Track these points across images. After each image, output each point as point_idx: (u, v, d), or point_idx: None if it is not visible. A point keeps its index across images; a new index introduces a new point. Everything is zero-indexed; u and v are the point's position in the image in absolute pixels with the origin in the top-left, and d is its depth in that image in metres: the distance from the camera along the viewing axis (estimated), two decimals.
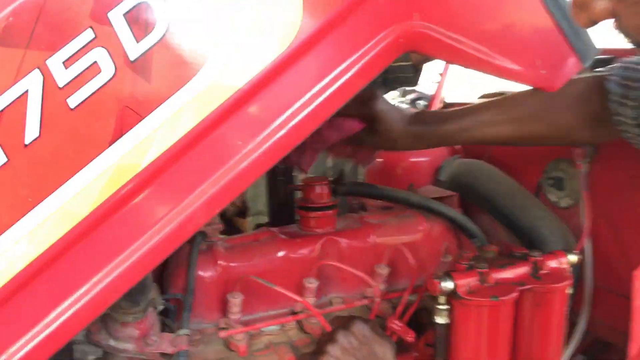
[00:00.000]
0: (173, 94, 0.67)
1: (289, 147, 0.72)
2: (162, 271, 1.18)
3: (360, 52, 0.72)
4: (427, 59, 1.84)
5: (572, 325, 1.31)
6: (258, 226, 1.91)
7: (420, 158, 1.49)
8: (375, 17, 0.72)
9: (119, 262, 0.69)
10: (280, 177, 1.37)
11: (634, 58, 0.95)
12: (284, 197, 1.42)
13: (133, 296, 0.97)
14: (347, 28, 0.71)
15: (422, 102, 2.39)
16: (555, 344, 1.06)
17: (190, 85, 0.67)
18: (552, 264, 1.07)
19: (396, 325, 1.06)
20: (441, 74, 1.97)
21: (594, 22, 0.67)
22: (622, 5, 0.63)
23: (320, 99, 0.71)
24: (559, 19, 0.78)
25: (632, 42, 0.68)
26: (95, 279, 0.68)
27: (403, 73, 1.87)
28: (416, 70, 1.88)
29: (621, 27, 0.66)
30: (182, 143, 0.68)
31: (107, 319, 1.01)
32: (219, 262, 1.14)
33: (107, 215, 0.67)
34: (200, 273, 1.13)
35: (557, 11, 0.77)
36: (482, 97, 1.66)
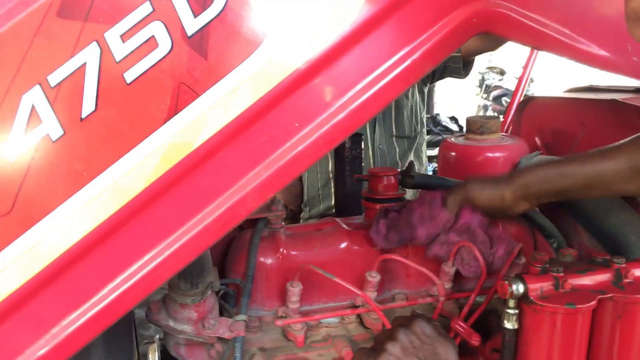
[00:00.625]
0: (230, 71, 0.65)
1: (348, 131, 0.69)
2: (224, 255, 1.18)
3: (429, 32, 0.67)
4: (478, 50, 1.73)
5: None
6: (322, 216, 1.89)
7: (497, 153, 1.41)
8: None
9: (171, 241, 0.68)
10: (347, 167, 1.33)
11: None
12: (351, 187, 1.39)
13: (192, 278, 0.97)
14: (415, 5, 0.66)
15: (506, 99, 2.29)
16: (637, 357, 0.97)
17: (248, 63, 0.65)
18: (638, 272, 0.97)
19: (460, 326, 1.00)
20: (523, 67, 1.86)
21: None
22: None
23: (384, 81, 0.67)
24: None
25: None
26: (147, 257, 0.68)
27: (451, 63, 1.78)
28: (465, 62, 1.78)
29: None
30: (237, 123, 0.66)
31: (167, 299, 1.02)
32: (280, 249, 1.13)
33: (160, 193, 0.66)
34: (261, 259, 1.11)
35: None
36: (569, 91, 1.56)
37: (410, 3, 0.66)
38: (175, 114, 0.65)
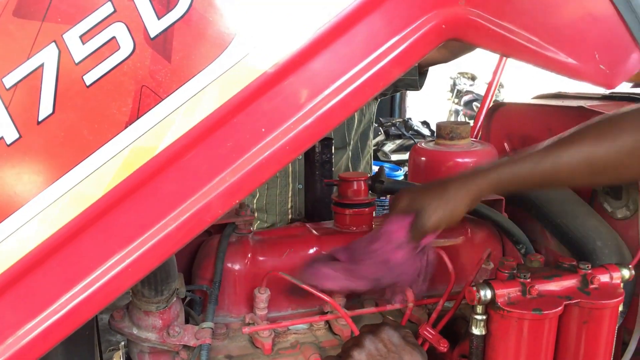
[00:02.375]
0: (194, 75, 0.63)
1: (315, 137, 0.68)
2: (191, 261, 1.16)
3: (398, 38, 0.66)
4: (435, 61, 1.73)
5: (622, 345, 1.21)
6: (293, 221, 1.87)
7: (467, 159, 1.42)
8: (416, 1, 0.67)
9: (133, 248, 0.66)
10: (317, 171, 1.32)
11: None
12: (320, 192, 1.38)
13: (156, 285, 0.95)
14: (385, 11, 0.65)
15: (477, 104, 2.31)
16: None
17: (214, 66, 0.63)
18: (603, 278, 0.98)
19: (429, 332, 1.00)
20: (493, 73, 1.88)
21: None
22: None
23: (352, 86, 0.66)
24: (621, 9, 0.70)
25: None
26: (108, 264, 0.66)
27: (407, 75, 1.76)
28: (421, 73, 1.78)
29: None
30: (202, 127, 0.64)
31: (131, 306, 0.99)
32: (248, 255, 1.11)
33: (121, 199, 0.64)
34: (229, 265, 1.10)
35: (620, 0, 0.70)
36: (537, 97, 1.57)
37: (380, 8, 0.66)
38: (138, 117, 0.63)
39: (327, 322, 1.11)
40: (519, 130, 1.54)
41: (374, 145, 5.78)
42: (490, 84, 1.85)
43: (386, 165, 5.11)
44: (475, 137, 1.82)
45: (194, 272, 1.13)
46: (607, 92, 1.45)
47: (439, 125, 1.46)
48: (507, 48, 0.70)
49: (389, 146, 6.26)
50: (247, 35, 0.63)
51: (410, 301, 1.07)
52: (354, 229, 1.19)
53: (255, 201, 1.99)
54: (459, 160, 1.42)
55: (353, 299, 1.17)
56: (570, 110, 1.33)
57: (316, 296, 1.01)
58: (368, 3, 0.65)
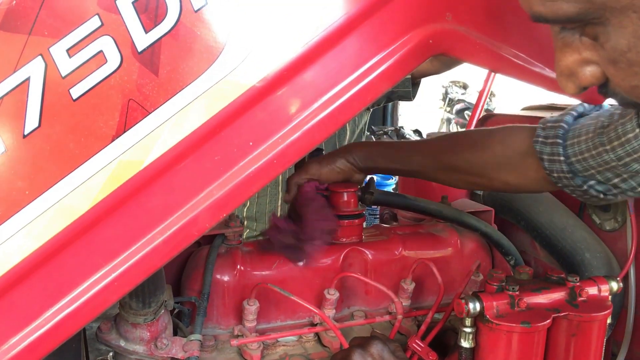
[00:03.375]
0: (182, 88, 0.63)
1: (303, 150, 0.68)
2: (180, 272, 1.15)
3: (385, 53, 0.67)
4: (426, 73, 1.74)
5: (611, 357, 1.21)
6: None
7: None
8: (403, 16, 0.67)
9: (119, 262, 0.65)
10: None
11: (554, 116, 0.99)
12: None
13: (144, 297, 0.94)
14: (372, 27, 0.66)
15: (469, 112, 2.32)
16: None
17: (201, 80, 0.63)
18: (591, 290, 0.98)
19: (418, 345, 1.00)
20: (484, 82, 1.88)
21: (583, 89, 0.62)
22: (614, 69, 0.58)
23: (340, 101, 0.66)
24: None
25: (622, 103, 0.64)
26: (94, 278, 0.65)
27: (400, 87, 1.77)
28: (413, 84, 1.79)
29: (611, 90, 0.62)
30: (189, 141, 0.64)
31: (118, 318, 0.99)
32: (237, 266, 1.10)
33: (107, 213, 0.64)
34: (218, 277, 1.09)
35: None
36: (527, 108, 1.58)
37: (367, 23, 0.66)
38: (124, 131, 0.63)
39: (316, 334, 1.11)
40: None
41: None
42: (481, 93, 1.86)
43: (377, 175, 5.11)
44: None
45: (183, 283, 1.12)
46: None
47: (428, 136, 1.47)
48: (494, 63, 0.70)
49: None
50: (235, 49, 0.64)
51: (399, 313, 1.07)
52: (344, 240, 1.19)
53: (245, 210, 1.99)
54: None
55: (343, 310, 1.17)
56: None
57: (307, 307, 1.01)
58: (356, 18, 0.65)
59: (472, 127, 1.79)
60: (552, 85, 0.73)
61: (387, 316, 1.12)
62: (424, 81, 1.91)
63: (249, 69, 0.64)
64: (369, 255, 1.17)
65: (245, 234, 2.01)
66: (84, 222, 0.64)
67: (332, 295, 1.08)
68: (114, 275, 0.65)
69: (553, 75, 0.72)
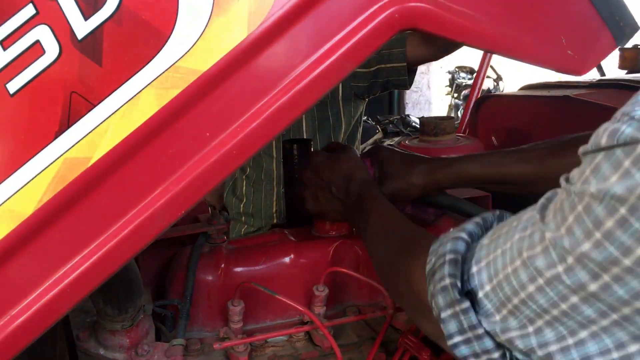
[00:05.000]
0: (128, 78, 0.58)
1: (265, 139, 0.63)
2: (163, 274, 1.11)
3: (347, 30, 0.61)
4: (421, 59, 1.67)
5: None
6: (273, 226, 1.83)
7: (452, 155, 1.37)
8: None
9: (69, 269, 0.61)
10: (296, 175, 1.27)
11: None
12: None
13: (120, 303, 0.90)
14: (329, 4, 0.61)
15: None
16: None
17: (149, 68, 0.59)
18: None
19: (410, 341, 0.95)
20: (479, 65, 1.82)
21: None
22: None
23: (301, 85, 0.61)
24: None
25: None
26: (43, 287, 0.61)
27: (394, 76, 1.71)
28: (410, 71, 1.72)
29: None
30: (140, 134, 0.60)
31: (96, 326, 0.95)
32: (222, 265, 1.06)
33: (54, 216, 0.60)
34: (201, 277, 1.05)
35: None
36: (523, 88, 1.52)
37: (324, 1, 0.61)
38: (68, 126, 0.58)
39: (307, 333, 1.06)
40: (506, 123, 1.49)
41: (372, 144, 5.72)
42: (477, 75, 1.80)
43: None
44: (464, 132, 1.76)
45: (166, 286, 1.08)
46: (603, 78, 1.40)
47: (422, 122, 1.42)
48: (466, 36, 0.65)
49: (387, 144, 6.22)
50: (185, 33, 0.59)
51: (390, 308, 1.02)
52: (333, 233, 1.14)
53: (242, 206, 1.95)
54: (444, 156, 1.37)
55: (336, 306, 1.12)
56: (556, 100, 1.28)
57: (292, 306, 0.97)
58: None
59: (469, 110, 1.73)
60: (529, 56, 0.68)
61: (379, 312, 1.07)
62: (431, 68, 1.84)
63: (201, 53, 0.59)
64: (360, 249, 1.12)
65: (243, 230, 1.97)
66: (28, 227, 0.59)
67: (322, 292, 1.04)
68: (66, 281, 0.61)
69: (531, 45, 0.67)
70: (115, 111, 0.59)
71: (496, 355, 0.56)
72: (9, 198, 0.58)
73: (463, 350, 0.57)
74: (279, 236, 1.16)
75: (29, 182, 0.58)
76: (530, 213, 0.53)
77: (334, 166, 1.06)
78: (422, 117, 1.40)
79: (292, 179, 1.29)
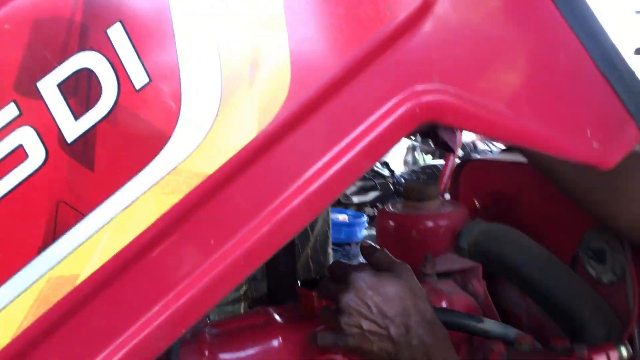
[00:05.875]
0: (123, 184, 0.52)
1: (275, 246, 0.57)
2: None
3: (362, 128, 0.57)
4: None
5: None
6: (254, 302, 1.74)
7: (438, 221, 1.33)
8: (383, 83, 0.57)
9: None
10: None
11: None
12: (284, 268, 1.26)
13: None
14: (345, 98, 0.56)
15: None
16: None
17: (147, 173, 0.52)
18: None
19: None
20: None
21: None
22: None
23: (313, 187, 0.56)
24: (611, 79, 0.62)
25: None
26: None
27: None
28: None
29: None
30: (136, 246, 0.53)
31: None
32: (205, 352, 0.98)
33: (36, 342, 0.52)
34: None
35: (610, 70, 0.62)
36: (506, 151, 1.51)
37: (342, 93, 0.56)
38: (54, 240, 0.51)
39: None
40: (489, 187, 1.47)
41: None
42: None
43: (349, 212, 5.02)
44: (442, 195, 1.73)
45: None
46: None
47: (406, 187, 1.38)
48: (488, 130, 0.61)
49: (349, 189, 6.20)
50: (188, 133, 0.53)
51: None
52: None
53: None
54: (430, 223, 1.33)
55: None
56: None
57: None
58: (327, 90, 0.55)
59: (446, 177, 1.71)
60: (554, 148, 0.64)
61: None
62: None
63: (206, 154, 0.53)
64: None
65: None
66: (9, 355, 0.51)
67: None
68: None
69: (555, 137, 0.63)
70: (109, 221, 0.52)
71: None
72: None
73: None
74: (265, 317, 1.08)
75: (7, 305, 0.50)
76: None
77: (388, 293, 0.82)
78: (406, 181, 1.37)
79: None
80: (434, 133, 0.92)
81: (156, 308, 0.54)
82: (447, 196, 1.61)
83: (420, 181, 4.93)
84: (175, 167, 0.53)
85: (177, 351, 0.95)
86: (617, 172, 0.77)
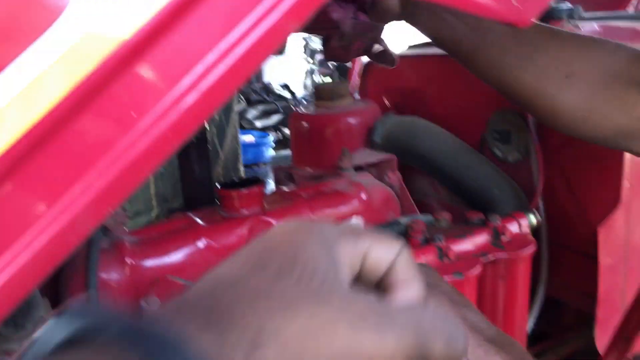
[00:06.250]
0: (19, 53, 0.46)
1: (202, 116, 0.53)
2: (57, 281, 0.97)
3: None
4: None
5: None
6: (170, 212, 1.70)
7: (351, 118, 1.34)
8: None
9: None
10: (192, 151, 1.17)
11: None
12: (199, 174, 1.22)
13: (16, 319, 0.76)
14: None
15: (332, 62, 2.23)
16: (521, 316, 0.96)
17: (48, 40, 0.47)
18: (513, 228, 0.95)
19: None
20: None
21: None
22: None
23: (241, 47, 0.52)
24: None
25: None
26: None
27: None
28: None
29: None
30: (45, 124, 0.48)
31: None
32: (126, 260, 0.94)
33: None
34: (104, 276, 0.92)
35: None
36: (412, 47, 1.52)
37: None
38: None
39: None
40: (398, 84, 1.48)
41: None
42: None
43: (254, 133, 4.97)
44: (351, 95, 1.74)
45: (62, 292, 0.94)
46: None
47: (317, 88, 1.37)
48: None
49: (251, 113, 6.12)
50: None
51: None
52: (245, 212, 1.06)
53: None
54: (344, 120, 1.34)
55: None
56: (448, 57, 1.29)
57: None
58: None
59: (354, 78, 1.71)
60: (471, 6, 0.64)
61: None
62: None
63: (115, 18, 0.48)
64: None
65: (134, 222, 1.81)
66: None
67: None
68: None
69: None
70: (11, 100, 0.46)
71: None
72: None
73: None
74: (186, 221, 1.05)
75: None
76: None
77: None
78: (316, 84, 1.35)
79: (188, 156, 1.18)
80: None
81: (77, 188, 0.50)
82: (357, 96, 1.62)
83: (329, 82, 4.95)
84: (81, 35, 0.47)
85: (96, 261, 0.91)
86: (530, 44, 0.79)
